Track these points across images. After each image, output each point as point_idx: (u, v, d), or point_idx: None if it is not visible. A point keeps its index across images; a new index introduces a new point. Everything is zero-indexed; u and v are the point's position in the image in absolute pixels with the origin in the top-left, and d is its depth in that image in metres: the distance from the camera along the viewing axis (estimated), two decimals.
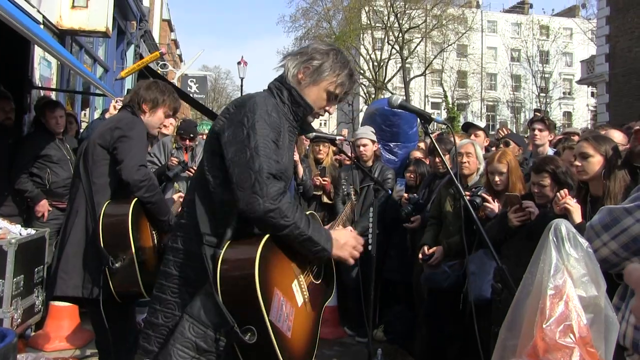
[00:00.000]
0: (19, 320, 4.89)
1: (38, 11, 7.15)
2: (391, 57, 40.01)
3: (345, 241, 2.43)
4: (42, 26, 7.19)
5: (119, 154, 3.32)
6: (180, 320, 2.27)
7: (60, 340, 5.32)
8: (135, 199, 3.29)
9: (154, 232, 3.49)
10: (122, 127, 3.40)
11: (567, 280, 1.80)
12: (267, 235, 2.21)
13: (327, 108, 2.57)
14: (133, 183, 3.25)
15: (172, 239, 2.46)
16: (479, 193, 4.52)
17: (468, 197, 4.54)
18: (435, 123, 3.00)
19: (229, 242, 2.23)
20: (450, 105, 43.31)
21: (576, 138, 5.48)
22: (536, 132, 5.86)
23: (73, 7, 8.55)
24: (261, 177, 2.16)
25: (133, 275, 3.18)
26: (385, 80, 39.33)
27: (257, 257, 2.10)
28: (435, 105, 49.77)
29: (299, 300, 2.31)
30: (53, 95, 8.41)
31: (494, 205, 4.45)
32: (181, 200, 4.05)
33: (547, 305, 1.78)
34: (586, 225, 2.21)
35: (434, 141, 3.06)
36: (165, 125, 3.77)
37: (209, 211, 2.33)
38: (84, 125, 9.99)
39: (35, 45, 7.39)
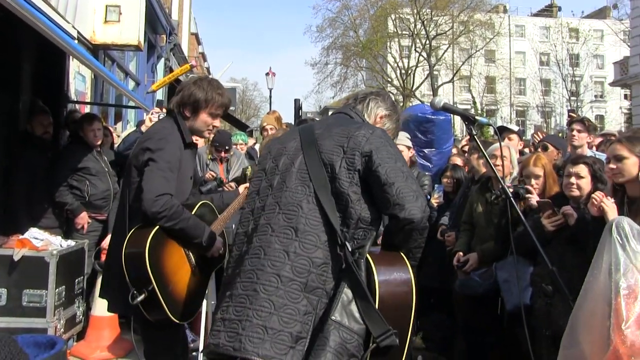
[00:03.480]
0: (62, 330, 4.96)
1: (73, 27, 7.24)
2: (419, 65, 39.86)
3: None
4: (76, 41, 7.28)
5: (142, 181, 3.18)
6: (325, 327, 2.35)
7: (101, 350, 5.35)
8: (157, 227, 3.14)
9: (189, 251, 3.35)
10: (152, 148, 3.25)
11: (639, 278, 1.72)
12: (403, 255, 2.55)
13: None
14: (151, 215, 3.10)
15: (283, 241, 2.50)
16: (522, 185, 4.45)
17: (511, 189, 4.46)
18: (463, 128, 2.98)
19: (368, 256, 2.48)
20: (479, 112, 42.88)
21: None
22: (575, 132, 5.75)
23: (106, 22, 8.65)
24: (421, 195, 2.52)
25: (159, 306, 3.08)
26: (413, 88, 39.21)
27: (412, 276, 2.46)
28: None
29: None
30: (87, 108, 8.51)
31: (536, 196, 4.39)
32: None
33: (623, 306, 1.69)
34: None
35: (478, 141, 3.01)
36: (215, 125, 3.65)
37: (343, 223, 2.51)
38: (117, 139, 10.08)
39: (71, 61, 7.50)
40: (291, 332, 2.34)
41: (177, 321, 3.17)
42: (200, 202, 3.59)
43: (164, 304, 3.07)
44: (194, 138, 3.62)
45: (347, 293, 2.38)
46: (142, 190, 3.14)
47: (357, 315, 2.35)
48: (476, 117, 2.85)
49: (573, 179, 4.00)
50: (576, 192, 3.98)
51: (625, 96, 41.57)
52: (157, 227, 3.13)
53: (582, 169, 3.97)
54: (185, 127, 3.47)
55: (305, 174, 2.59)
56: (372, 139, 2.58)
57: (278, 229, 2.53)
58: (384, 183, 2.48)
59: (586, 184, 3.96)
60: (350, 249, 2.43)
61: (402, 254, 2.55)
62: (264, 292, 2.42)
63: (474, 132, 2.92)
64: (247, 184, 4.06)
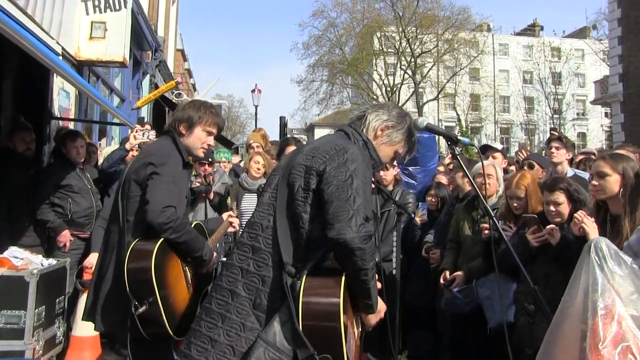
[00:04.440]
0: (41, 351, 4.86)
1: (57, 42, 7.23)
2: (404, 82, 40.18)
3: None
4: (61, 57, 7.26)
5: (147, 193, 3.21)
6: (254, 344, 2.40)
7: None
8: (162, 239, 3.18)
9: (186, 267, 3.39)
10: (155, 162, 3.29)
11: (616, 299, 1.74)
12: (343, 275, 2.46)
13: (388, 165, 2.75)
14: (157, 227, 3.14)
15: (241, 258, 2.60)
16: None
17: (487, 230, 4.53)
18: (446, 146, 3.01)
19: (305, 276, 2.45)
20: (464, 129, 43.19)
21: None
22: (553, 150, 5.87)
23: (91, 38, 8.65)
24: (359, 215, 2.41)
25: (159, 319, 3.11)
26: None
27: (340, 300, 2.38)
28: (449, 129, 49.64)
29: None
30: (72, 125, 8.47)
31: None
32: (231, 220, 4.15)
33: (600, 326, 1.71)
34: (624, 245, 2.16)
35: (461, 161, 3.03)
36: (209, 144, 3.68)
37: (294, 243, 2.53)
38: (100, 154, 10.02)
39: (54, 77, 7.47)
40: (233, 347, 2.45)
41: (173, 335, 3.19)
42: (194, 223, 3.68)
43: (163, 316, 3.11)
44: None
45: (284, 313, 2.42)
46: (145, 203, 3.19)
47: (289, 336, 2.39)
48: (459, 138, 2.86)
49: (552, 207, 4.07)
50: (558, 219, 4.04)
51: (606, 114, 42.08)
52: (161, 240, 3.17)
53: (559, 196, 4.03)
54: (182, 146, 3.51)
55: (275, 194, 2.66)
56: (335, 156, 2.55)
57: (240, 247, 2.65)
58: (325, 202, 2.47)
59: (565, 208, 4.02)
60: (290, 270, 2.46)
61: (342, 278, 2.47)
62: (216, 306, 2.57)
63: (457, 152, 2.94)
64: (230, 212, 4.20)
